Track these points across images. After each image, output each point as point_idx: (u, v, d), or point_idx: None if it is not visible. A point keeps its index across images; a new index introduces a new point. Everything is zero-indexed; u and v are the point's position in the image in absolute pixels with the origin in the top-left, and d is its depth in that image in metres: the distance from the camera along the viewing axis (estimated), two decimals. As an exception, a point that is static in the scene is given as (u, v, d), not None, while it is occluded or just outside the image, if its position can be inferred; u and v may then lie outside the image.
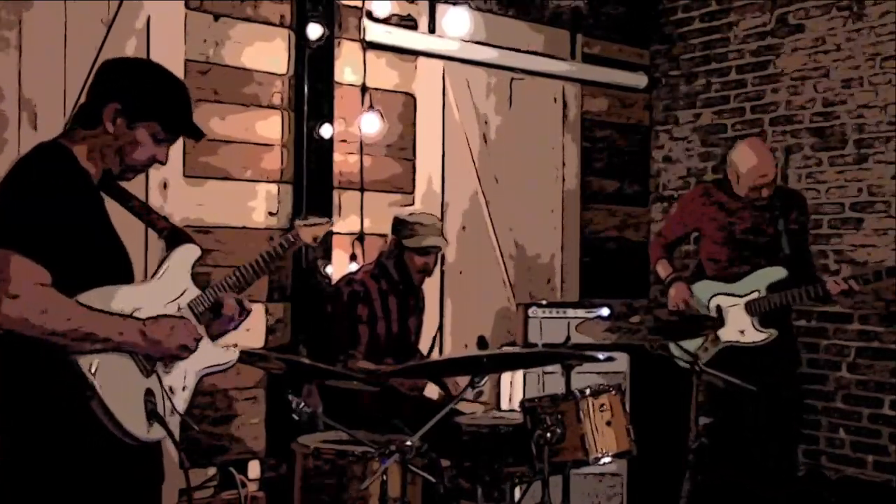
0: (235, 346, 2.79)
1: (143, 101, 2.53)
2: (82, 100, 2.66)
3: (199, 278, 2.75)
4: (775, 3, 5.81)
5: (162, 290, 2.63)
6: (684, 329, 3.96)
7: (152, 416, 2.45)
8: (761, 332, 4.46)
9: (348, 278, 4.47)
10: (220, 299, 2.73)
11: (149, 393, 2.47)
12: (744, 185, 4.49)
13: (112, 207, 2.63)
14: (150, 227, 2.79)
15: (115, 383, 2.40)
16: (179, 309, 2.64)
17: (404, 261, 4.36)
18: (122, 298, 2.46)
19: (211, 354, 2.68)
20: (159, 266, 2.68)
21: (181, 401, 2.60)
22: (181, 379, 2.60)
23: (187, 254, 2.72)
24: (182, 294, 2.66)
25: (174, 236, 2.74)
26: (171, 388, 2.56)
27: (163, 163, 2.63)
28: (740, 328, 4.48)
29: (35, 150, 2.50)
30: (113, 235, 2.56)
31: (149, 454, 2.55)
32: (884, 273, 4.30)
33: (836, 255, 5.47)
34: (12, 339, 2.32)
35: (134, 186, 2.73)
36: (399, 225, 4.37)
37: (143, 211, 2.77)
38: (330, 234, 4.88)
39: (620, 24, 6.34)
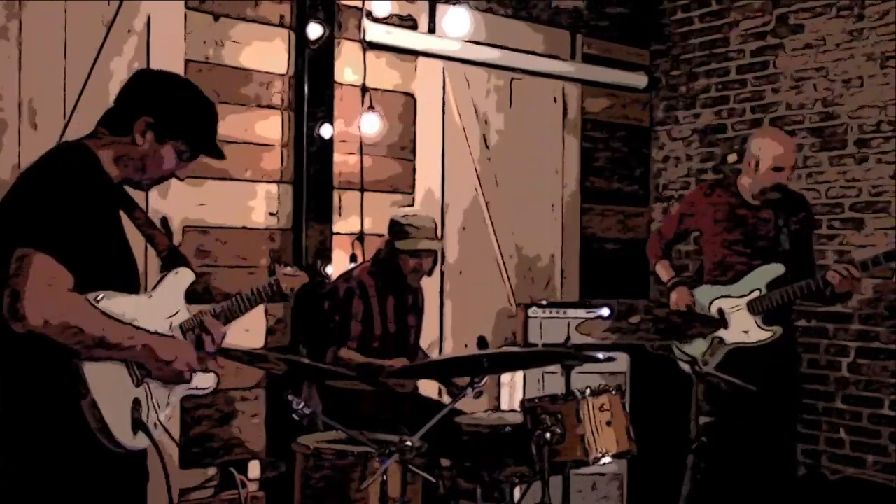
0: (215, 372, 2.80)
1: (175, 118, 2.58)
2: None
3: (198, 279, 2.79)
4: (775, 3, 5.81)
5: (157, 306, 2.65)
6: (686, 329, 3.95)
7: (137, 425, 2.46)
8: (766, 330, 4.44)
9: (346, 275, 4.48)
10: (209, 325, 2.75)
11: (136, 402, 2.48)
12: (763, 168, 4.42)
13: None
14: (150, 244, 2.81)
15: (107, 388, 2.40)
16: (171, 327, 2.68)
17: (398, 262, 4.35)
18: (122, 307, 2.46)
19: (195, 378, 2.69)
20: (157, 283, 2.71)
21: (163, 416, 2.62)
22: (165, 395, 2.62)
23: (183, 277, 2.76)
24: (175, 314, 2.71)
25: (172, 257, 2.78)
26: (157, 402, 2.57)
27: (181, 179, 2.70)
28: (744, 329, 4.46)
29: (59, 150, 2.51)
30: (124, 242, 2.58)
31: (133, 457, 2.54)
32: (882, 258, 4.24)
33: (836, 256, 5.46)
34: (6, 336, 2.30)
35: (134, 186, 2.75)
36: (393, 226, 4.36)
37: (145, 224, 2.78)
38: (330, 234, 4.89)
39: (620, 24, 6.33)
